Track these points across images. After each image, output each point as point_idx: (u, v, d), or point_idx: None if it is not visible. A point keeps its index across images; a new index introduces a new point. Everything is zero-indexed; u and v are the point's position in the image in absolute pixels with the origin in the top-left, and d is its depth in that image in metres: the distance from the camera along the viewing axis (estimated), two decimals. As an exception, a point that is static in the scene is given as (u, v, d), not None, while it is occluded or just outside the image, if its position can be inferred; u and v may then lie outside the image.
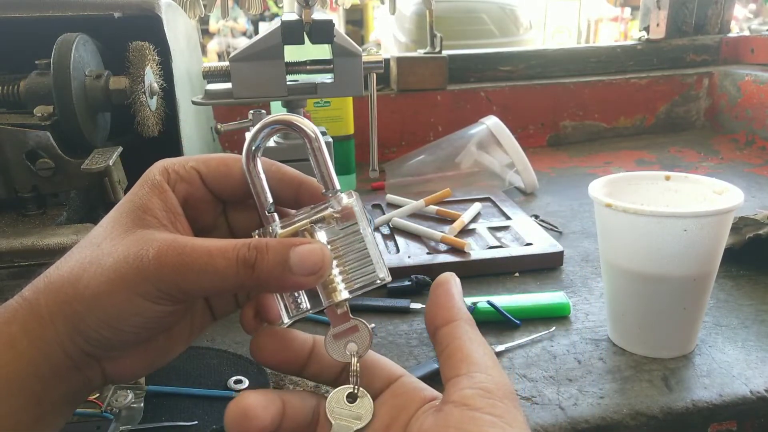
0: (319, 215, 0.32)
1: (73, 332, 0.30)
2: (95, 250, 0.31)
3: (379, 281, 0.32)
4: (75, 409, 0.34)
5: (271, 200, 0.33)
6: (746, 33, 1.45)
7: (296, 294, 0.32)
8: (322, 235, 0.32)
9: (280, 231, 0.32)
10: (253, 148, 0.33)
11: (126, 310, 0.30)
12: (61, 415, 0.32)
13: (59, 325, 0.30)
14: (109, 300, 0.30)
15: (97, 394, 0.49)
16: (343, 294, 0.32)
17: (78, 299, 0.30)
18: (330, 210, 0.32)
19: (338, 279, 0.32)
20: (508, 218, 0.83)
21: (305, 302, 0.32)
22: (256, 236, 0.32)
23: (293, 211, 0.34)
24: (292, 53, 0.64)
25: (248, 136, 0.33)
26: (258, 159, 0.33)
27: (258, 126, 0.33)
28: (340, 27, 0.93)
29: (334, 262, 0.32)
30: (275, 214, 0.33)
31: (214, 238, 0.31)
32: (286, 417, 0.32)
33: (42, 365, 0.30)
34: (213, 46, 5.71)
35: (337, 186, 0.33)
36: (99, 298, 0.30)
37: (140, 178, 0.33)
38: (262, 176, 0.33)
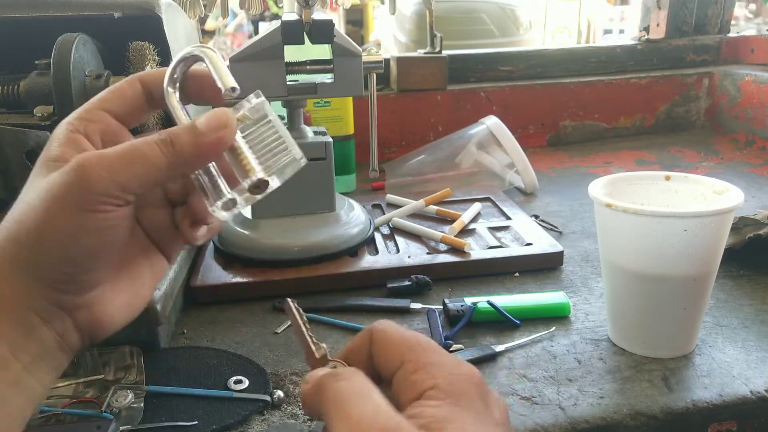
0: None
1: (32, 282, 0.31)
2: (22, 204, 0.32)
3: (296, 162, 0.35)
4: (56, 375, 0.34)
5: (186, 119, 0.36)
6: (746, 33, 1.45)
7: (219, 185, 0.35)
8: (237, 134, 0.34)
9: None
10: (175, 76, 0.37)
11: (73, 231, 0.30)
12: (38, 381, 0.32)
13: (14, 281, 0.30)
14: (53, 227, 0.30)
15: (97, 395, 0.49)
16: (259, 174, 0.34)
17: (25, 247, 0.31)
18: (242, 111, 0.35)
19: (254, 163, 0.34)
20: (508, 218, 0.83)
21: (225, 188, 0.35)
22: None
23: None
24: (292, 53, 0.64)
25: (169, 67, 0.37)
26: (177, 86, 0.37)
27: (175, 59, 0.37)
28: (340, 27, 0.93)
29: (250, 150, 0.34)
30: None
31: None
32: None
33: (1, 324, 0.30)
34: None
35: (233, 83, 0.35)
36: (42, 232, 0.30)
37: (47, 142, 0.34)
38: (177, 96, 0.37)
